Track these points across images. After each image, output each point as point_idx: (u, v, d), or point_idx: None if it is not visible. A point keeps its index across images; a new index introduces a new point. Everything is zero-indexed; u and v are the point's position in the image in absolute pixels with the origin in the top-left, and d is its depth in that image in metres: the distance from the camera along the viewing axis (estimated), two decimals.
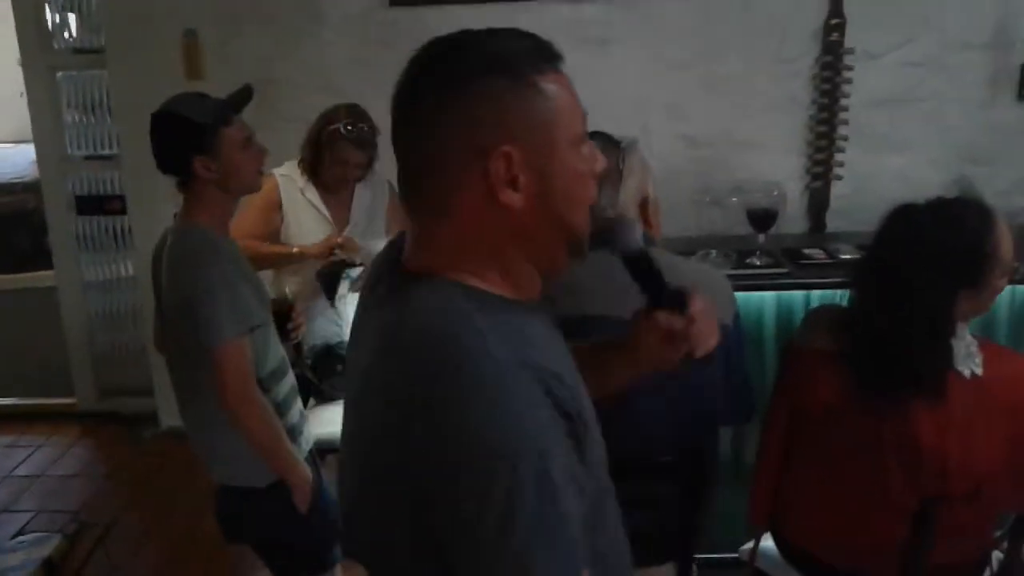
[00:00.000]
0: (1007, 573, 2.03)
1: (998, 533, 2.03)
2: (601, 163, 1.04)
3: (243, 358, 1.99)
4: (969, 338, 1.77)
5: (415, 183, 1.01)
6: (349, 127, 2.74)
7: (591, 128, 1.09)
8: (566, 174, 0.98)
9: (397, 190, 3.11)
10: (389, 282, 1.05)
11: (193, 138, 1.98)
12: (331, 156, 2.79)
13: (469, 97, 0.95)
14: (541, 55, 0.98)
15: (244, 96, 2.10)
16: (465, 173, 0.95)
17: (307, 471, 2.14)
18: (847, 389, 1.79)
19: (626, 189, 1.77)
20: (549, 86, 0.96)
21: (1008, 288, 2.71)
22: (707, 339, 1.17)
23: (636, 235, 1.14)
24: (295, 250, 2.80)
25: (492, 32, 0.99)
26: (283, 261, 2.85)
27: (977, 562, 1.96)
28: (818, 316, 1.98)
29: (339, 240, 2.80)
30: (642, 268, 1.16)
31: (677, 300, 1.17)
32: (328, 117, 2.79)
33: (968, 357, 1.74)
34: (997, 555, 2.03)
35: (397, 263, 1.06)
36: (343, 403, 1.13)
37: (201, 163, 1.99)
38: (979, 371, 1.73)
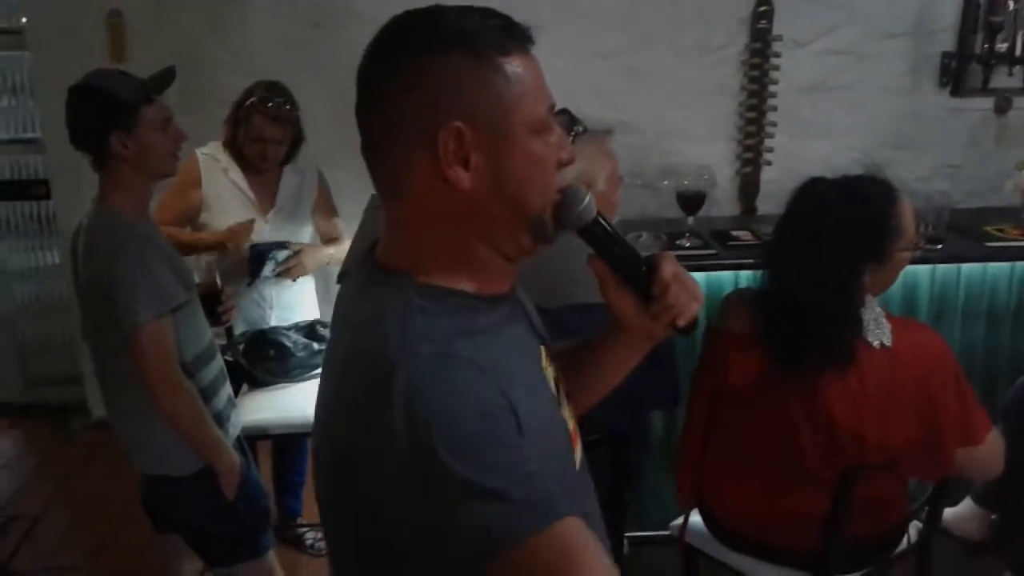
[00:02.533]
0: (925, 543, 2.11)
1: (915, 506, 2.11)
2: (568, 152, 1.01)
3: (164, 340, 1.96)
4: (878, 310, 1.84)
5: (373, 160, 0.99)
6: (266, 102, 2.71)
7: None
8: (524, 158, 0.95)
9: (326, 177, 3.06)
10: (363, 275, 1.04)
11: (112, 113, 1.95)
12: (247, 131, 2.75)
13: (425, 71, 0.93)
14: (509, 35, 0.95)
15: (167, 77, 2.07)
16: (417, 149, 0.94)
17: (234, 457, 2.11)
18: (762, 368, 1.85)
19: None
20: (512, 68, 0.94)
21: (928, 267, 2.82)
22: (687, 305, 1.06)
23: (586, 204, 1.02)
24: (184, 238, 2.75)
25: (463, 9, 0.96)
26: (184, 249, 2.71)
27: (895, 533, 2.03)
28: (733, 299, 2.03)
29: (230, 234, 2.74)
30: (600, 239, 1.06)
31: (644, 268, 1.07)
32: (246, 93, 2.76)
33: (877, 328, 1.80)
34: (916, 525, 2.11)
35: (372, 253, 1.05)
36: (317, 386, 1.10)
37: (118, 139, 1.95)
38: (888, 342, 1.80)
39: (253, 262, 2.78)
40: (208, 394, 2.10)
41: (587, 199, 1.03)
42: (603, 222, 1.05)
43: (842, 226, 1.77)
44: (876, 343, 1.79)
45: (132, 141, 1.97)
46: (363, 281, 1.02)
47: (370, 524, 0.90)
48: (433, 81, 0.93)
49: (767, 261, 1.93)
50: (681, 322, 1.08)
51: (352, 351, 0.95)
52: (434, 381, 0.87)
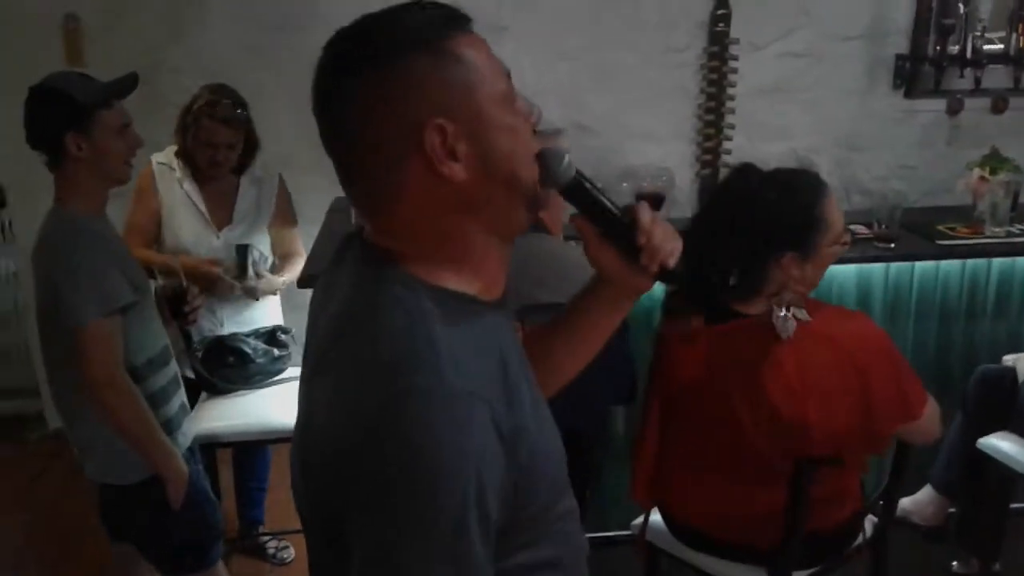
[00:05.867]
0: (880, 536, 2.14)
1: (870, 500, 2.14)
2: (535, 114, 1.03)
3: (109, 340, 1.95)
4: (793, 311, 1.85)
5: (357, 180, 0.99)
6: (212, 105, 2.64)
7: None
8: (503, 134, 0.96)
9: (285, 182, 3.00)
10: (355, 259, 1.03)
11: (68, 115, 1.95)
12: (196, 137, 2.68)
13: (391, 81, 0.92)
14: (451, 22, 0.96)
15: (128, 83, 2.07)
16: (404, 158, 0.93)
17: (182, 465, 2.08)
18: (705, 363, 1.87)
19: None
20: (465, 51, 0.94)
21: (882, 266, 2.88)
22: (673, 245, 1.09)
23: (566, 163, 1.03)
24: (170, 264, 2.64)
25: (396, 9, 0.96)
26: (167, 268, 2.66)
27: (851, 527, 2.06)
28: (674, 296, 2.04)
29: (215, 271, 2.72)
30: (582, 196, 1.07)
31: (625, 219, 1.08)
32: (192, 98, 2.70)
33: (785, 324, 1.82)
34: (872, 519, 2.14)
35: (360, 237, 1.04)
36: (299, 380, 1.10)
37: (73, 141, 1.95)
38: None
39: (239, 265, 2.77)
40: (159, 400, 2.08)
41: (566, 158, 1.03)
42: (584, 179, 1.06)
43: (763, 212, 1.78)
44: (784, 336, 1.81)
45: (87, 144, 1.97)
46: (357, 265, 1.01)
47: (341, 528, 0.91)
48: (403, 88, 0.92)
49: (689, 240, 1.94)
50: (672, 261, 1.10)
51: (358, 356, 0.93)
52: (445, 427, 0.87)
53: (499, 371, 0.95)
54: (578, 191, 1.06)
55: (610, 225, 1.09)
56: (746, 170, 1.86)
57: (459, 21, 0.97)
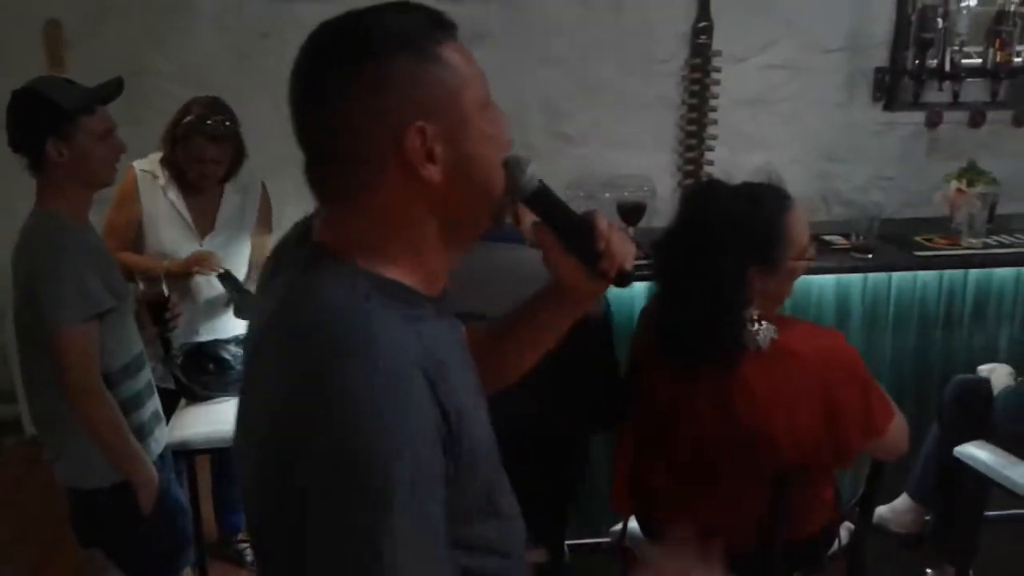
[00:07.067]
0: (857, 543, 2.15)
1: (846, 507, 2.15)
2: (507, 122, 1.03)
3: (86, 345, 1.95)
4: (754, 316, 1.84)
5: (327, 172, 0.99)
6: (204, 121, 2.62)
7: None
8: (479, 139, 0.97)
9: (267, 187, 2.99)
10: (296, 254, 1.02)
11: (50, 120, 1.95)
12: (185, 152, 2.65)
13: (376, 79, 0.93)
14: (437, 26, 0.97)
15: (113, 88, 2.07)
16: (382, 155, 0.94)
17: (152, 471, 2.09)
18: (670, 374, 1.88)
19: None
20: (451, 55, 0.95)
21: (860, 276, 2.90)
22: (628, 250, 1.12)
23: (531, 172, 1.05)
24: (145, 265, 2.66)
25: (383, 8, 0.96)
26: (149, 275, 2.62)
27: (827, 534, 2.07)
28: (646, 307, 2.05)
29: (198, 258, 2.70)
30: (546, 205, 1.09)
31: (584, 227, 1.11)
32: (182, 111, 2.66)
33: (758, 334, 1.82)
34: (848, 526, 2.16)
35: (307, 234, 1.04)
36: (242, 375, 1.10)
37: (54, 146, 1.95)
38: (765, 345, 1.80)
39: (233, 288, 2.75)
40: (132, 406, 2.08)
41: (530, 166, 1.05)
42: (547, 188, 1.08)
43: (728, 225, 1.77)
44: (753, 347, 1.81)
45: (68, 149, 1.97)
46: (299, 260, 1.01)
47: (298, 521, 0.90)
48: (388, 86, 0.93)
49: (656, 260, 1.94)
50: (628, 265, 1.12)
51: (295, 334, 0.93)
52: (384, 397, 0.87)
53: (432, 353, 0.94)
54: (541, 200, 1.09)
55: (570, 232, 1.11)
56: (712, 185, 1.87)
57: (445, 26, 0.98)
